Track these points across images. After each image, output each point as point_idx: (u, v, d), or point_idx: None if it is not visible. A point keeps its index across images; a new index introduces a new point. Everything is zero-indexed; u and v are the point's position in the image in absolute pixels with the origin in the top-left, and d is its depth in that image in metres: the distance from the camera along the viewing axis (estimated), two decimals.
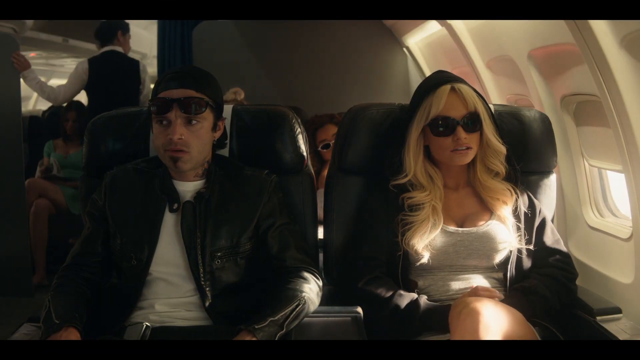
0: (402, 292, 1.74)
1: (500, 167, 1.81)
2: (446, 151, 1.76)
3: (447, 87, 1.75)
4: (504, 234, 1.78)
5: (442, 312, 1.66)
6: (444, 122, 1.74)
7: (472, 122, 1.74)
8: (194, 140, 1.66)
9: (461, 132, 1.73)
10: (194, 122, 1.65)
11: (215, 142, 1.75)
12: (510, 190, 1.81)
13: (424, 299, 1.72)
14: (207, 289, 1.66)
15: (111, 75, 4.45)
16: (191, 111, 1.64)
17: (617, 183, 2.27)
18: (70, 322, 1.54)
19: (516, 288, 1.77)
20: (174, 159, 1.66)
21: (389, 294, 1.73)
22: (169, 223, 1.70)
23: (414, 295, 1.73)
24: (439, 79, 1.79)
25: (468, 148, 1.75)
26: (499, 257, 1.79)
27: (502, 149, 1.79)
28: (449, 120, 1.74)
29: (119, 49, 4.54)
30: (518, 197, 1.82)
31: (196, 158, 1.68)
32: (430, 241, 1.74)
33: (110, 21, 4.47)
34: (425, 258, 1.73)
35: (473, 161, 1.81)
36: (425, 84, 1.82)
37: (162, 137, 1.65)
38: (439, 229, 1.75)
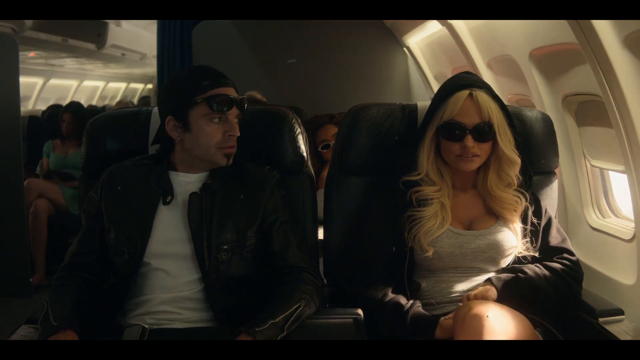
0: (397, 298, 1.73)
1: (513, 179, 1.78)
2: (452, 155, 1.75)
3: (465, 92, 1.73)
4: (511, 238, 1.77)
5: (429, 320, 1.66)
6: (454, 128, 1.73)
7: (484, 132, 1.72)
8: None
9: (469, 140, 1.71)
10: (239, 119, 1.72)
11: None
12: (519, 198, 1.79)
13: (415, 307, 1.70)
14: (212, 282, 1.65)
15: None
16: (244, 110, 1.72)
17: (619, 183, 2.26)
18: (68, 324, 1.53)
19: (506, 267, 1.78)
20: (229, 155, 1.72)
21: (386, 299, 1.73)
22: (165, 215, 1.69)
23: (407, 302, 1.71)
24: (461, 82, 1.76)
25: (475, 156, 1.73)
26: (505, 262, 1.79)
27: (517, 160, 1.76)
28: (459, 126, 1.72)
29: None
30: (528, 205, 1.80)
31: None
32: (437, 241, 1.73)
33: None
34: (430, 253, 1.72)
35: (485, 169, 1.79)
36: (448, 84, 1.80)
37: (218, 134, 1.69)
38: (447, 226, 1.75)
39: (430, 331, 1.66)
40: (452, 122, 1.73)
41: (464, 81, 1.77)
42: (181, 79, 1.73)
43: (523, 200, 1.79)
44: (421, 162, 1.79)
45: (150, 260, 1.67)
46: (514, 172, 1.78)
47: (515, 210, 1.78)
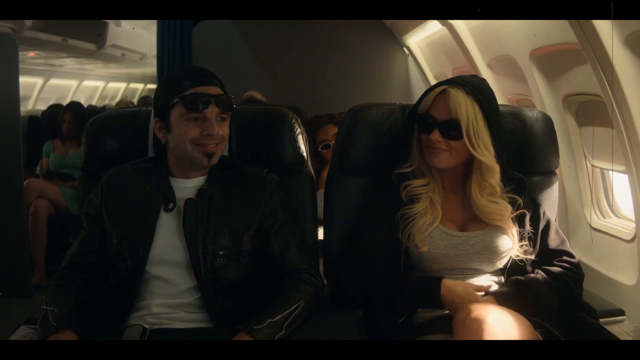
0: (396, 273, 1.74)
1: (494, 188, 1.75)
2: (424, 148, 1.77)
3: (440, 88, 1.75)
4: (506, 241, 1.77)
5: (432, 283, 1.68)
6: (425, 119, 1.76)
7: (450, 128, 1.71)
8: (224, 135, 1.70)
9: (435, 134, 1.73)
10: (224, 118, 1.69)
11: None
12: (506, 209, 1.76)
13: (415, 273, 1.71)
14: (208, 288, 1.65)
15: None
16: (226, 108, 1.68)
17: (620, 183, 2.26)
18: (68, 325, 1.53)
19: (512, 280, 1.76)
20: (209, 154, 1.68)
21: (385, 279, 1.74)
22: (165, 222, 1.69)
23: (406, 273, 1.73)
24: (444, 80, 1.78)
25: (441, 150, 1.73)
26: (500, 262, 1.78)
27: (495, 166, 1.73)
28: (430, 118, 1.75)
29: None
30: (525, 212, 1.78)
31: (220, 153, 1.72)
32: (430, 242, 1.73)
33: None
34: (425, 248, 1.72)
35: (469, 175, 1.78)
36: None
37: (194, 132, 1.66)
38: (437, 223, 1.75)
39: (436, 287, 1.66)
40: (424, 115, 1.76)
41: (448, 80, 1.78)
42: (165, 81, 1.74)
43: (509, 208, 1.76)
44: (413, 154, 1.81)
45: (150, 268, 1.67)
46: (494, 180, 1.75)
47: (501, 221, 1.76)
